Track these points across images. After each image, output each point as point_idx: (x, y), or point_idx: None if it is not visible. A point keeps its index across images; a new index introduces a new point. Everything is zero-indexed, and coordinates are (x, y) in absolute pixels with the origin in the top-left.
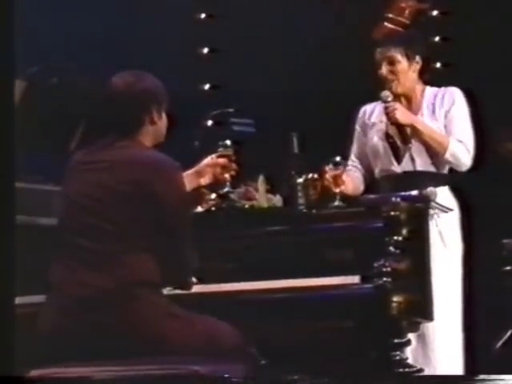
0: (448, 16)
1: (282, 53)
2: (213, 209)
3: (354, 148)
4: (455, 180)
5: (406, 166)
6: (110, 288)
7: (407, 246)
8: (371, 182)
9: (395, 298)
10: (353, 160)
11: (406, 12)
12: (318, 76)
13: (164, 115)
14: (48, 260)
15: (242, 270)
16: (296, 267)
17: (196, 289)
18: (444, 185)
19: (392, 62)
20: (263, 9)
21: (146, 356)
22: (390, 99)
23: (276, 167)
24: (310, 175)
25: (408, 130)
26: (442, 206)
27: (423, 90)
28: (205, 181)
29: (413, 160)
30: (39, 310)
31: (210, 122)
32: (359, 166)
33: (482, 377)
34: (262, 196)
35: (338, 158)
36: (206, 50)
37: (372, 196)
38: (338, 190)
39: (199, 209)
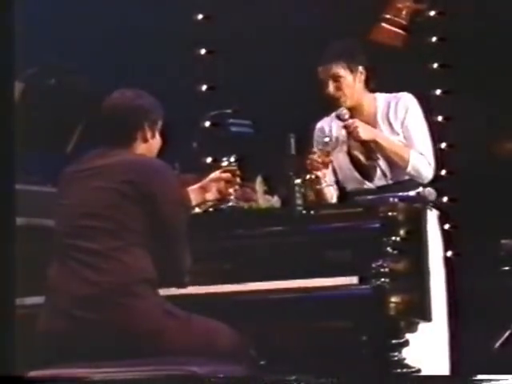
0: (445, 16)
1: (280, 53)
2: (211, 210)
3: None
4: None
5: (378, 182)
6: (107, 286)
7: (405, 247)
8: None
9: (393, 299)
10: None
11: (403, 13)
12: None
13: (158, 135)
14: (44, 261)
15: (240, 270)
16: (294, 268)
17: (194, 290)
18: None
19: (336, 79)
20: (261, 9)
21: (144, 355)
22: (347, 116)
23: (274, 168)
24: (308, 176)
25: (371, 146)
26: (439, 206)
27: (374, 99)
28: (209, 196)
29: (385, 175)
30: (38, 311)
31: (207, 123)
32: (331, 182)
33: (480, 377)
34: (260, 197)
35: (326, 139)
36: (203, 51)
37: (370, 197)
38: (324, 172)
39: (197, 210)
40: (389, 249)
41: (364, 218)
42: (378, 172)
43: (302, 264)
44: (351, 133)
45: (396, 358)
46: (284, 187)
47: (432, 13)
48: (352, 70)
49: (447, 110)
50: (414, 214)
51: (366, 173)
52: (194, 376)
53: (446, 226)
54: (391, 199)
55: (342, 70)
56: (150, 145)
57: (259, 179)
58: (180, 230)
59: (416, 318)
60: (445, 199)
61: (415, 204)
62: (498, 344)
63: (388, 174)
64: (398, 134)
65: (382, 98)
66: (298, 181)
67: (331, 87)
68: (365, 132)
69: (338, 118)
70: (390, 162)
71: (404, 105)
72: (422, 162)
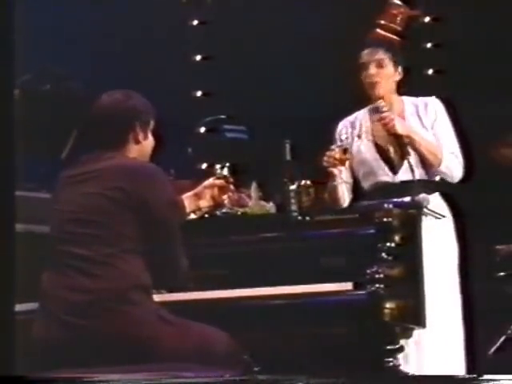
0: (440, 22)
1: (275, 59)
2: (206, 216)
3: None
4: (451, 187)
5: (403, 176)
6: (101, 293)
7: (400, 253)
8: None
9: (388, 305)
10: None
11: (398, 19)
12: (312, 83)
13: (150, 136)
14: (39, 267)
15: (234, 276)
16: (289, 274)
17: (189, 296)
18: (438, 191)
19: (380, 64)
20: (257, 16)
21: (138, 361)
22: (385, 109)
23: (269, 174)
24: (303, 182)
25: (404, 141)
26: (434, 212)
27: (402, 101)
28: (203, 203)
29: (412, 170)
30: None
31: (202, 129)
32: (347, 180)
33: (480, 377)
34: (255, 203)
35: (343, 137)
36: (198, 57)
37: (365, 202)
38: (340, 169)
39: (192, 216)
40: (384, 255)
41: (359, 224)
42: (405, 166)
43: (297, 270)
44: (387, 125)
45: (391, 364)
46: (279, 193)
47: (427, 19)
48: (394, 65)
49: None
50: (408, 220)
51: (392, 166)
52: (188, 382)
53: None
54: (386, 205)
55: (387, 59)
56: (142, 146)
57: (254, 185)
58: (174, 233)
59: (410, 323)
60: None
61: (410, 210)
62: (492, 350)
63: (416, 169)
64: (427, 131)
65: (408, 100)
66: (293, 187)
67: (372, 70)
68: (401, 126)
69: (375, 110)
70: (422, 158)
71: (433, 107)
72: (453, 161)
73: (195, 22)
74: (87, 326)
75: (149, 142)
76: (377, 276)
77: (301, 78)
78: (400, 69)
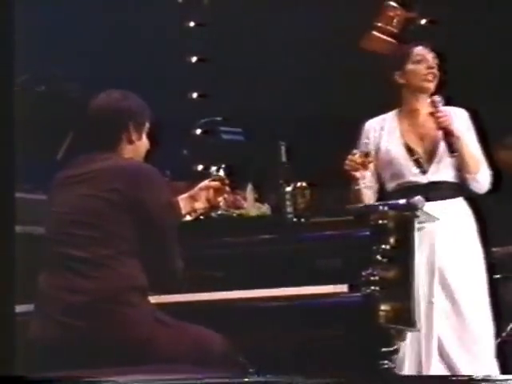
0: (436, 25)
1: (271, 62)
2: (201, 217)
3: None
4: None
5: (431, 177)
6: (98, 294)
7: (394, 255)
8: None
9: (383, 307)
10: (369, 177)
11: (395, 21)
12: (306, 86)
13: (144, 137)
14: (35, 268)
15: (230, 278)
16: (284, 276)
17: (185, 297)
18: (464, 196)
19: (435, 60)
20: (253, 19)
21: (134, 362)
22: (441, 104)
23: (264, 176)
24: (299, 184)
25: (453, 140)
26: (428, 214)
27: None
28: (199, 205)
29: (439, 171)
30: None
31: (198, 131)
32: (371, 183)
33: (480, 377)
34: (251, 204)
35: (366, 141)
36: (194, 59)
37: (360, 205)
38: (363, 173)
39: (188, 218)
40: (379, 257)
41: (354, 226)
42: (434, 166)
43: (293, 271)
44: (442, 120)
45: (386, 366)
46: (274, 195)
47: (423, 21)
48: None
49: None
50: (403, 222)
51: (421, 166)
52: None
53: None
54: (381, 207)
55: (437, 60)
56: (136, 147)
57: (250, 187)
58: (170, 234)
59: (403, 325)
60: None
61: (405, 212)
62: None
63: (443, 171)
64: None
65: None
66: (289, 188)
67: (433, 63)
68: (455, 124)
69: (432, 103)
70: (462, 161)
71: (463, 119)
72: (487, 175)
73: (192, 24)
74: (84, 327)
75: (142, 143)
76: (372, 278)
77: (296, 79)
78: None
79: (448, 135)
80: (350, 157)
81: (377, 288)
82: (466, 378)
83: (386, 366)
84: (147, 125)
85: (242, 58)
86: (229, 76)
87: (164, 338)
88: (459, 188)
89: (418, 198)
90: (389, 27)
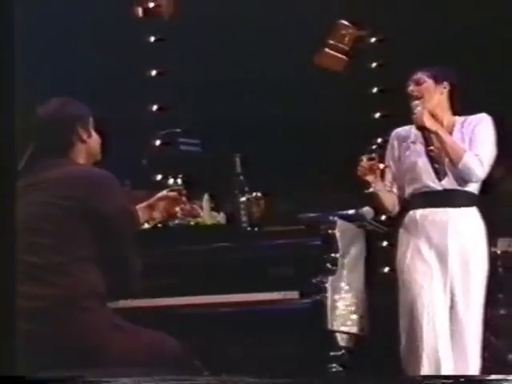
0: (385, 43)
1: (229, 73)
2: (159, 225)
3: (392, 169)
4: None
5: (446, 184)
6: (55, 300)
7: (343, 263)
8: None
9: (332, 313)
10: (390, 182)
11: (346, 39)
12: (263, 97)
13: (93, 133)
14: None
15: (186, 285)
16: (238, 283)
17: (141, 303)
18: (476, 205)
19: (418, 82)
20: (211, 31)
21: (92, 367)
22: (419, 108)
23: (220, 186)
24: (254, 194)
25: (432, 137)
26: (377, 224)
27: (454, 122)
28: (157, 214)
29: (456, 180)
30: None
31: (158, 142)
32: (394, 190)
33: (481, 377)
34: (207, 213)
35: (374, 147)
36: (154, 72)
37: (311, 214)
38: (373, 178)
39: (145, 225)
40: (328, 265)
41: (305, 235)
42: (450, 175)
43: (246, 279)
44: (416, 118)
45: (334, 370)
46: (229, 204)
47: (373, 39)
48: (436, 80)
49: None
50: (352, 232)
51: (438, 172)
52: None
53: (385, 243)
54: (330, 217)
55: (425, 77)
56: (88, 144)
57: (206, 196)
58: (128, 241)
59: (353, 331)
60: None
61: (354, 222)
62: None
63: (458, 180)
64: (463, 142)
65: (460, 119)
66: (243, 198)
67: (412, 87)
68: (429, 121)
69: (412, 108)
70: (445, 154)
71: (479, 119)
72: (474, 162)
73: (152, 39)
74: (41, 332)
75: (94, 139)
76: (322, 285)
77: (252, 92)
78: (446, 83)
79: (423, 130)
80: (361, 163)
81: (326, 295)
82: (468, 378)
83: (334, 370)
84: (91, 121)
85: (200, 72)
86: (188, 89)
87: (122, 343)
88: (473, 197)
89: (366, 209)
90: (341, 44)
